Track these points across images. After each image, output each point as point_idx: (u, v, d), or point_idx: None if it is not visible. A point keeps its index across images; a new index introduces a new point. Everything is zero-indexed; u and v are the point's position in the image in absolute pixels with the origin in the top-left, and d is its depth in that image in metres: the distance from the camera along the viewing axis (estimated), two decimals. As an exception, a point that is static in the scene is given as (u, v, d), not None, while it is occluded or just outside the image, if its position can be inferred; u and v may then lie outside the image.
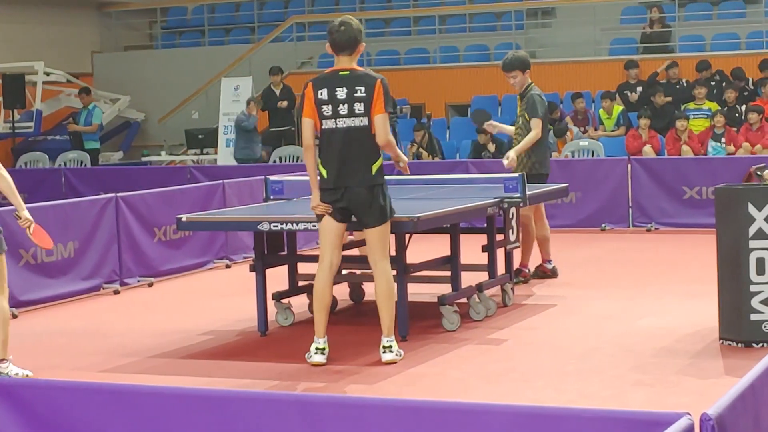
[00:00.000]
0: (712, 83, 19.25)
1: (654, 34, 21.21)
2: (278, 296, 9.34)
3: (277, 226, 8.45)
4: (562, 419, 3.71)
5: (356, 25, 8.00)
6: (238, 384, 7.45)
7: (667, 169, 14.65)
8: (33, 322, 9.99)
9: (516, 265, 10.47)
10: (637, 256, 12.58)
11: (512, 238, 9.69)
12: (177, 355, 8.54)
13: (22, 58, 22.56)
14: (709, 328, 8.43)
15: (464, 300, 9.26)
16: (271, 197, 9.99)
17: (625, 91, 19.90)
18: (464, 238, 9.27)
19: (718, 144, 17.41)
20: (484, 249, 9.70)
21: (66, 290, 10.86)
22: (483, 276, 9.62)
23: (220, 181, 13.35)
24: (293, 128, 21.05)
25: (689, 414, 3.46)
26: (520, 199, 9.44)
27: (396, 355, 7.89)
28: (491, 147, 17.70)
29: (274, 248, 9.27)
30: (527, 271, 10.99)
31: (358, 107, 7.78)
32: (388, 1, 24.21)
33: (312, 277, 9.68)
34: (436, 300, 8.98)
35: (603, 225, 14.54)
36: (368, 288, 10.09)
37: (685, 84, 19.55)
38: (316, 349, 7.90)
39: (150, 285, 11.73)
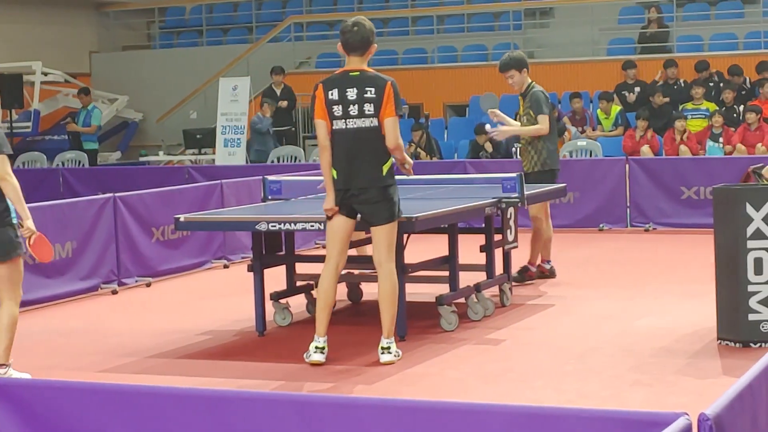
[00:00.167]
0: (710, 84, 19.25)
1: (652, 34, 21.21)
2: (276, 296, 9.34)
3: (275, 226, 8.44)
4: (560, 419, 3.71)
5: (369, 25, 8.00)
6: (236, 384, 7.44)
7: (665, 169, 14.66)
8: (31, 322, 9.98)
9: (514, 265, 10.44)
10: (635, 257, 12.58)
11: (510, 238, 9.69)
12: (175, 355, 8.54)
13: (19, 58, 22.56)
14: (707, 328, 8.43)
15: (462, 300, 9.26)
16: (269, 197, 9.99)
17: (623, 92, 19.91)
18: (462, 238, 9.27)
19: (716, 144, 17.42)
20: (482, 249, 9.70)
21: (64, 290, 10.86)
22: (481, 276, 9.62)
23: (218, 181, 13.35)
24: (293, 128, 21.05)
25: (687, 414, 3.46)
26: (518, 199, 9.44)
27: (394, 356, 7.89)
28: (488, 147, 17.70)
29: (272, 248, 9.27)
30: (533, 270, 10.96)
31: (368, 108, 7.79)
32: (386, 1, 24.22)
33: (310, 277, 9.72)
34: (434, 300, 8.97)
35: (601, 225, 14.54)
36: (366, 288, 10.10)
37: (682, 84, 19.56)
38: (316, 348, 7.90)
39: (148, 285, 11.72)
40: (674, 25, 21.50)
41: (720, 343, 8.08)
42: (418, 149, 18.03)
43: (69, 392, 4.37)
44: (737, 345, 7.96)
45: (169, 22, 26.67)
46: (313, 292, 9.74)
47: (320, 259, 10.72)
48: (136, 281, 11.71)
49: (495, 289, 9.81)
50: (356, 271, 9.76)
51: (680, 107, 18.75)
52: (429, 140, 18.34)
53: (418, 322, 8.99)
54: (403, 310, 8.38)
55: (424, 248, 10.01)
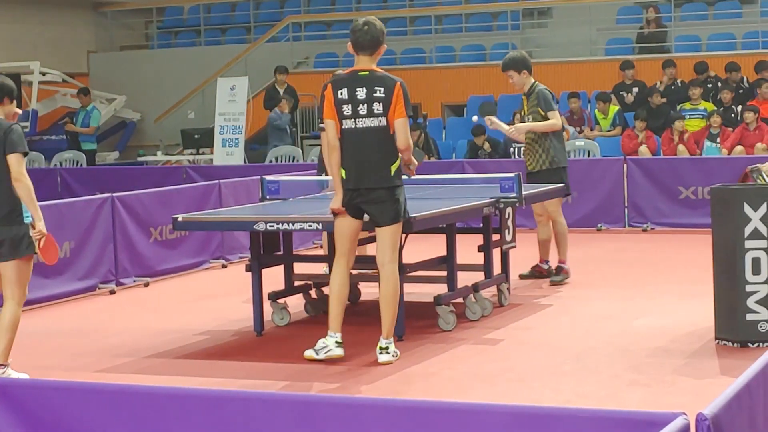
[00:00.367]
0: (709, 85, 19.25)
1: (650, 34, 21.21)
2: (274, 296, 9.34)
3: (273, 226, 8.44)
4: (558, 419, 3.71)
5: (380, 26, 8.02)
6: (234, 384, 7.44)
7: (663, 169, 14.66)
8: (29, 322, 9.97)
9: (513, 265, 10.43)
10: (633, 257, 12.58)
11: (508, 238, 9.69)
12: (173, 355, 8.54)
13: (17, 58, 22.54)
14: (704, 328, 8.43)
15: (460, 300, 9.26)
16: (268, 197, 9.99)
17: (621, 92, 19.91)
18: (460, 238, 9.27)
19: (714, 144, 17.42)
20: (480, 249, 9.70)
21: (62, 290, 10.85)
22: (479, 276, 9.62)
23: (216, 181, 13.35)
24: (293, 128, 21.05)
25: (685, 414, 3.46)
26: (516, 199, 9.44)
27: (392, 356, 7.90)
28: (487, 147, 17.70)
29: (270, 248, 9.26)
30: (566, 267, 10.97)
31: (377, 107, 7.80)
32: (384, 1, 24.22)
33: (308, 277, 9.73)
34: (432, 300, 8.97)
35: (599, 225, 14.54)
36: (364, 288, 10.09)
37: (680, 84, 19.56)
38: (336, 342, 7.90)
39: (146, 285, 11.72)
40: (672, 25, 21.49)
41: (718, 342, 8.08)
42: (417, 149, 18.04)
43: (67, 392, 4.37)
44: (735, 345, 7.96)
45: (167, 22, 26.65)
46: (311, 292, 9.75)
47: (318, 259, 10.77)
48: (134, 281, 11.71)
49: (493, 289, 9.81)
50: (354, 271, 9.76)
51: (678, 107, 18.75)
52: (427, 140, 18.34)
53: (416, 322, 8.99)
54: (402, 310, 8.38)
55: (422, 248, 10.01)
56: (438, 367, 7.83)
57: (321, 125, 10.50)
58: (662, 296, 10.12)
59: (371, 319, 8.51)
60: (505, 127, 11.23)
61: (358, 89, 7.83)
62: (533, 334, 8.81)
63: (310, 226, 8.38)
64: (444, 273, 9.17)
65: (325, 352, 7.90)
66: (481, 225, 9.73)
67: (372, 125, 7.82)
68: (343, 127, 7.86)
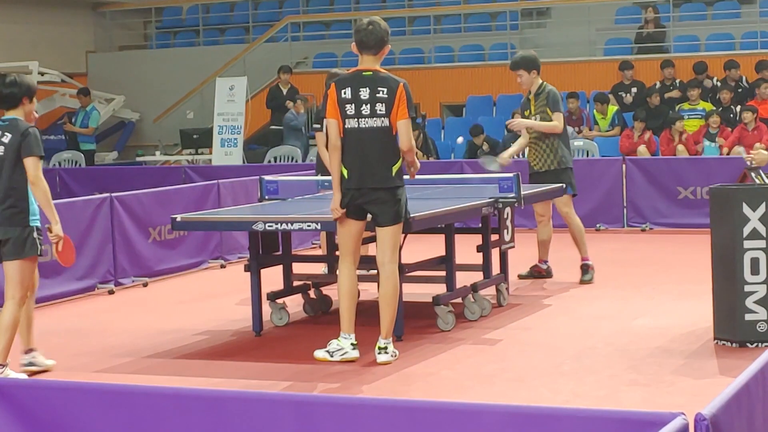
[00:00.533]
0: (707, 86, 19.25)
1: (649, 34, 21.21)
2: (273, 296, 9.33)
3: (272, 226, 8.44)
4: (556, 419, 3.71)
5: (384, 25, 8.03)
6: (233, 384, 7.44)
7: (662, 170, 14.67)
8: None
9: (512, 265, 10.43)
10: (631, 257, 12.59)
11: (507, 238, 9.69)
12: (172, 355, 8.53)
13: (16, 58, 22.52)
14: (703, 328, 8.44)
15: (459, 300, 9.26)
16: (266, 197, 9.99)
17: (619, 93, 19.91)
18: (459, 238, 9.27)
19: (712, 144, 17.43)
20: (478, 249, 9.70)
21: (60, 290, 10.85)
22: (478, 276, 9.62)
23: (215, 181, 13.35)
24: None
25: (684, 414, 3.46)
26: (514, 199, 9.44)
27: (391, 356, 7.90)
28: (486, 147, 17.70)
29: (268, 248, 9.26)
30: (590, 263, 10.98)
31: (380, 108, 7.81)
32: (382, 1, 24.22)
33: (307, 277, 9.73)
34: (430, 300, 8.97)
35: (598, 225, 14.54)
36: (362, 288, 10.09)
37: (678, 84, 19.56)
38: (352, 344, 7.91)
39: (145, 285, 11.72)
40: (671, 25, 21.49)
41: (717, 343, 8.09)
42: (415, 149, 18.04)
43: (66, 392, 4.37)
44: (734, 345, 7.97)
45: (165, 22, 26.63)
46: (310, 292, 9.75)
47: (317, 259, 10.77)
48: (133, 281, 11.71)
49: (492, 289, 9.81)
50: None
51: (677, 107, 18.75)
52: (426, 140, 18.35)
53: (415, 322, 8.99)
54: (401, 310, 8.38)
55: (420, 248, 10.02)
56: (437, 367, 7.83)
57: (316, 125, 10.53)
58: (661, 296, 10.12)
59: (369, 319, 8.51)
60: (516, 146, 11.08)
61: (361, 89, 7.83)
62: (532, 334, 8.81)
63: (309, 226, 8.38)
64: (443, 273, 9.17)
65: (341, 355, 7.90)
66: (480, 225, 9.73)
67: (374, 125, 7.83)
68: (345, 126, 7.87)
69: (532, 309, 9.79)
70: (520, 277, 11.09)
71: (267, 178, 10.18)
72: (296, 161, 19.34)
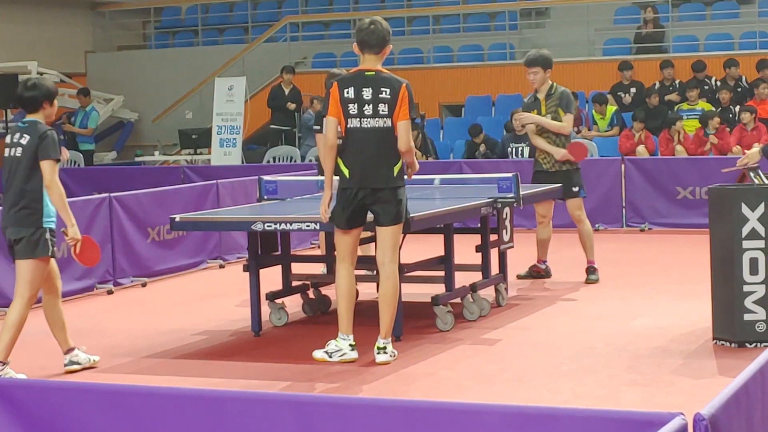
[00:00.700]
0: (705, 87, 19.25)
1: (648, 34, 21.21)
2: (272, 296, 9.33)
3: (270, 226, 8.44)
4: (555, 419, 3.71)
5: (386, 25, 8.04)
6: (232, 384, 7.44)
7: (661, 170, 14.67)
8: (27, 322, 9.96)
9: (511, 265, 10.42)
10: (630, 257, 12.59)
11: (506, 238, 9.69)
12: (171, 355, 8.53)
13: (15, 58, 22.52)
14: (702, 328, 8.44)
15: (458, 300, 9.26)
16: (265, 197, 9.99)
17: (618, 93, 19.91)
18: (458, 238, 9.27)
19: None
20: (477, 249, 9.70)
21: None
22: (477, 276, 9.62)
23: (214, 181, 13.35)
24: (294, 129, 21.05)
25: (683, 414, 3.46)
26: (513, 200, 9.45)
27: (390, 356, 7.90)
28: (482, 148, 17.67)
29: (267, 248, 9.26)
30: (595, 267, 10.99)
31: (383, 108, 7.82)
32: (381, 1, 24.22)
33: (306, 277, 9.72)
34: (429, 300, 8.97)
35: (597, 225, 14.52)
36: (360, 288, 10.08)
37: (677, 85, 19.57)
38: (350, 345, 7.91)
39: (143, 285, 11.72)
40: (670, 25, 21.49)
41: (715, 343, 8.09)
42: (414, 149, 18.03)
43: (65, 392, 4.37)
44: (733, 345, 7.97)
45: (164, 22, 26.63)
46: (309, 292, 9.75)
47: (316, 259, 10.77)
48: (132, 281, 11.71)
49: (491, 290, 9.81)
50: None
51: (676, 108, 18.75)
52: (424, 140, 18.34)
53: (414, 322, 8.99)
54: (400, 310, 8.38)
55: (419, 248, 10.02)
56: (436, 367, 7.83)
57: (316, 126, 10.51)
58: (660, 296, 10.12)
59: (368, 319, 8.51)
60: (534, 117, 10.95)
61: (364, 89, 7.84)
62: (531, 334, 8.81)
63: (308, 226, 8.38)
64: (442, 273, 9.17)
65: (340, 356, 7.90)
66: (479, 225, 9.73)
67: (377, 126, 7.83)
68: (348, 126, 7.87)
69: (531, 309, 9.79)
70: (519, 277, 11.09)
71: (266, 178, 10.18)
72: (295, 161, 19.34)
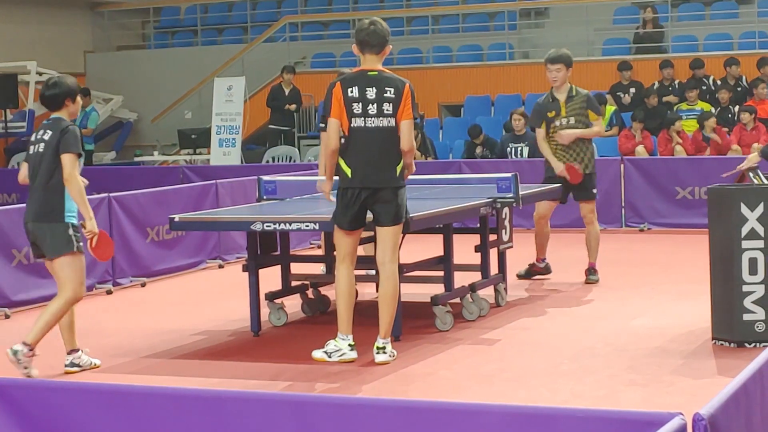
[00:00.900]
0: (703, 87, 19.25)
1: (647, 34, 21.22)
2: (271, 296, 9.33)
3: (270, 226, 8.44)
4: (555, 419, 3.71)
5: (385, 25, 8.10)
6: (231, 384, 7.44)
7: (660, 170, 14.68)
8: (26, 322, 9.96)
9: (511, 265, 10.42)
10: (629, 257, 12.59)
11: (505, 238, 9.69)
12: (170, 355, 8.53)
13: (14, 58, 22.52)
14: (701, 328, 8.44)
15: (457, 300, 9.26)
16: (264, 197, 9.99)
17: (618, 93, 19.91)
18: (457, 238, 9.27)
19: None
20: (477, 249, 9.70)
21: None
22: (476, 276, 9.62)
23: (213, 181, 13.35)
24: (293, 129, 21.05)
25: (682, 414, 3.46)
26: (512, 200, 9.45)
27: (389, 356, 7.90)
28: (478, 151, 17.65)
29: (267, 248, 9.26)
30: (596, 269, 10.99)
31: (387, 108, 7.83)
32: (380, 1, 24.22)
33: (305, 277, 9.72)
34: (429, 300, 8.97)
35: (596, 225, 14.52)
36: (360, 288, 10.09)
37: (676, 85, 19.57)
38: (350, 345, 7.90)
39: (143, 285, 11.72)
40: (669, 25, 21.50)
41: (715, 343, 8.09)
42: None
43: (64, 392, 4.37)
44: (732, 345, 7.97)
45: (163, 22, 26.63)
46: (308, 292, 9.75)
47: (315, 259, 10.77)
48: (131, 281, 11.71)
49: (490, 289, 9.81)
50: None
51: (675, 108, 18.75)
52: (424, 140, 18.33)
53: (413, 322, 8.99)
54: (399, 310, 8.38)
55: (419, 248, 10.02)
56: (435, 367, 7.83)
57: (321, 125, 10.51)
58: (659, 296, 10.13)
59: (367, 319, 8.51)
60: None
61: (368, 89, 7.85)
62: (530, 334, 8.81)
63: (307, 226, 8.38)
64: (441, 273, 9.17)
65: (339, 356, 7.90)
66: (478, 225, 9.73)
67: (381, 125, 7.84)
68: (352, 125, 7.86)
69: (531, 309, 9.79)
70: (519, 276, 11.08)
71: (265, 178, 10.18)
72: (294, 161, 19.33)
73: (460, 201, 9.33)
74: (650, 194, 14.53)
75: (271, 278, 9.50)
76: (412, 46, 22.89)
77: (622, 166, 14.68)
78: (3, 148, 22.19)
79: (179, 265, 12.38)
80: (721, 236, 8.00)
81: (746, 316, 7.91)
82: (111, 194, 11.75)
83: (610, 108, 19.17)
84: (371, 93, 7.84)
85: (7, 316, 10.13)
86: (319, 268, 10.55)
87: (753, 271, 7.87)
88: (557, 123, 10.73)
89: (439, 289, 9.15)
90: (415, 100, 7.96)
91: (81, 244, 7.78)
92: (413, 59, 22.51)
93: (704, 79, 19.50)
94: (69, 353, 8.03)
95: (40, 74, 22.22)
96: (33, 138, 7.92)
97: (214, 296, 10.99)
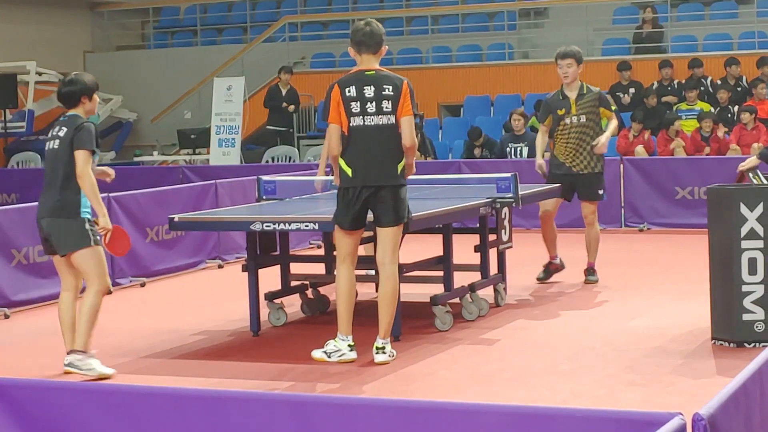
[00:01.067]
0: (702, 88, 19.25)
1: (646, 34, 21.22)
2: (271, 296, 9.34)
3: (269, 226, 8.44)
4: (554, 419, 3.71)
5: (381, 26, 8.10)
6: (231, 384, 7.44)
7: (660, 170, 14.68)
8: (26, 322, 9.99)
9: (510, 264, 10.42)
10: (629, 257, 12.59)
11: (505, 238, 9.69)
12: (169, 355, 8.53)
13: (14, 58, 22.52)
14: (701, 328, 8.44)
15: (457, 300, 9.26)
16: (264, 197, 9.99)
17: (617, 93, 19.91)
18: (457, 238, 9.27)
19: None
20: (476, 249, 9.70)
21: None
22: (476, 276, 9.62)
23: (213, 181, 13.35)
24: (291, 129, 21.05)
25: (681, 414, 3.47)
26: (512, 199, 9.45)
27: (389, 356, 7.90)
28: (476, 152, 17.65)
29: (266, 248, 9.26)
30: (595, 269, 10.99)
31: (386, 105, 7.84)
32: (380, 1, 24.22)
33: (305, 277, 9.72)
34: (428, 300, 8.97)
35: (595, 225, 14.52)
36: (360, 288, 10.09)
37: (676, 85, 19.57)
38: (349, 345, 7.90)
39: (142, 285, 11.72)
40: (668, 25, 21.50)
41: (714, 343, 8.09)
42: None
43: (64, 392, 4.37)
44: (731, 345, 7.97)
45: (163, 22, 26.62)
46: (308, 292, 9.75)
47: (315, 259, 10.77)
48: (131, 281, 11.71)
49: (489, 289, 9.81)
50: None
51: (674, 108, 18.76)
52: (423, 140, 18.32)
53: (412, 322, 8.99)
54: (398, 311, 8.38)
55: (418, 248, 10.02)
56: (435, 367, 7.83)
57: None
58: (659, 296, 10.13)
59: (366, 319, 8.51)
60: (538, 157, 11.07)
61: (366, 87, 7.85)
62: (530, 334, 8.81)
63: (307, 226, 8.38)
64: (440, 273, 9.17)
65: (338, 356, 7.89)
66: (478, 225, 9.73)
67: (381, 123, 7.85)
68: (351, 124, 7.87)
69: (530, 309, 9.79)
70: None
71: (265, 178, 10.18)
72: (294, 161, 19.34)
73: (460, 201, 9.33)
74: (650, 194, 14.54)
75: (270, 278, 9.50)
76: (412, 46, 22.89)
77: (621, 166, 14.67)
78: (2, 148, 22.19)
79: (179, 265, 12.38)
80: (721, 236, 8.00)
81: (746, 316, 7.91)
82: (110, 194, 11.73)
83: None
84: (369, 91, 7.85)
85: (6, 316, 10.12)
86: (319, 268, 10.55)
87: (752, 271, 7.88)
88: (567, 121, 10.71)
89: (438, 289, 9.15)
90: (415, 100, 7.95)
91: (98, 237, 7.80)
92: (413, 59, 22.50)
93: (703, 80, 19.50)
94: (69, 353, 8.03)
95: (40, 74, 22.24)
96: (49, 135, 7.97)
97: (214, 296, 11.00)
